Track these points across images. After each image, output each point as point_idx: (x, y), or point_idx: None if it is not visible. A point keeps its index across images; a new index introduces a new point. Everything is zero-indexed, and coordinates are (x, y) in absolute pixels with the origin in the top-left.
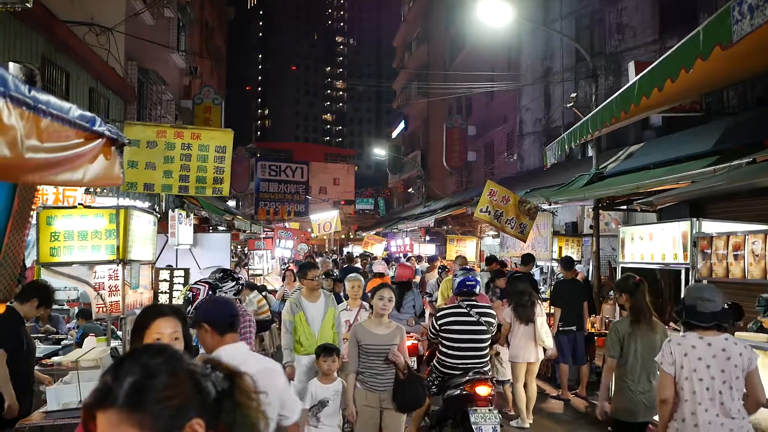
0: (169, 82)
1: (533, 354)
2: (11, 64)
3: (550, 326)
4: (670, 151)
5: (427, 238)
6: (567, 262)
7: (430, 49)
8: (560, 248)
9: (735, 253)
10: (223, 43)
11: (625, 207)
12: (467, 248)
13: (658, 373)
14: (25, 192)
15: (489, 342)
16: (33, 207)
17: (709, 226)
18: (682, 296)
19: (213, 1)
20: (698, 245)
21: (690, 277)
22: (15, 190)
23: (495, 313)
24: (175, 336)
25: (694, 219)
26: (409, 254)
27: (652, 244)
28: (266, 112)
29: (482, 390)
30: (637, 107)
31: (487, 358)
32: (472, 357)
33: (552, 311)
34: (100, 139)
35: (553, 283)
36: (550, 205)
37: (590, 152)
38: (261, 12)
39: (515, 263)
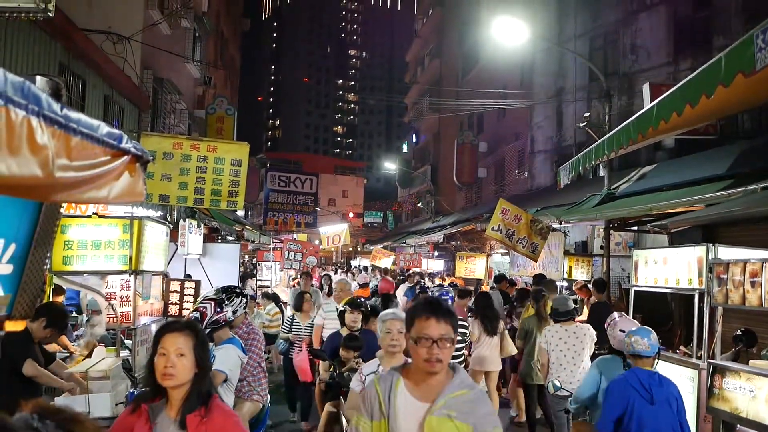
0: (183, 91)
1: (494, 363)
2: (38, 78)
3: None
4: (683, 174)
5: (436, 253)
6: (600, 285)
7: (443, 64)
8: (570, 268)
9: (752, 280)
10: (237, 53)
11: (635, 228)
12: (476, 265)
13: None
14: (50, 209)
15: (462, 350)
16: (57, 223)
17: (723, 252)
18: (555, 306)
19: (229, 13)
20: (714, 271)
21: (705, 303)
22: (41, 207)
23: (467, 325)
24: (179, 352)
25: (710, 244)
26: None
27: (666, 268)
28: (277, 122)
29: None
30: (655, 131)
31: (462, 365)
32: None
33: None
34: (126, 156)
35: (591, 305)
36: (561, 224)
37: (602, 172)
38: (275, 24)
39: (525, 282)
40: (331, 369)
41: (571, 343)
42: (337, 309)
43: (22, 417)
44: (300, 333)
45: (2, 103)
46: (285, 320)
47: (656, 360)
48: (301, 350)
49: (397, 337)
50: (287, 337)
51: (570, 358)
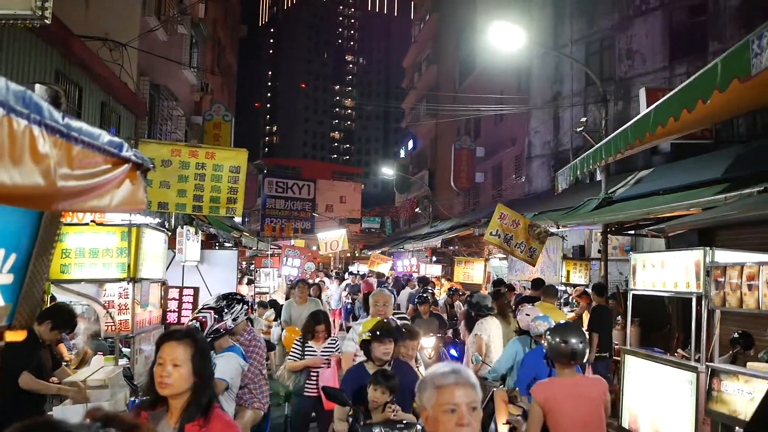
0: (180, 98)
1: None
2: (37, 86)
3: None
4: (679, 178)
5: (434, 258)
6: (600, 289)
7: (440, 70)
8: (568, 272)
9: (749, 283)
10: (234, 59)
11: (633, 232)
12: (474, 270)
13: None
14: (51, 218)
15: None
16: (58, 232)
17: (720, 255)
18: (475, 301)
19: (225, 19)
20: (711, 274)
21: (702, 306)
22: (41, 216)
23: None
24: (175, 362)
25: (707, 248)
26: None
27: (664, 271)
28: (275, 128)
29: None
30: (653, 135)
31: None
32: None
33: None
34: (127, 165)
35: (592, 308)
36: (558, 228)
37: (599, 176)
38: (272, 30)
39: (524, 286)
40: (350, 415)
41: (499, 333)
42: None
43: (85, 424)
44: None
45: (4, 112)
46: (294, 347)
47: None
48: (329, 366)
49: (467, 419)
50: (301, 366)
51: (499, 345)
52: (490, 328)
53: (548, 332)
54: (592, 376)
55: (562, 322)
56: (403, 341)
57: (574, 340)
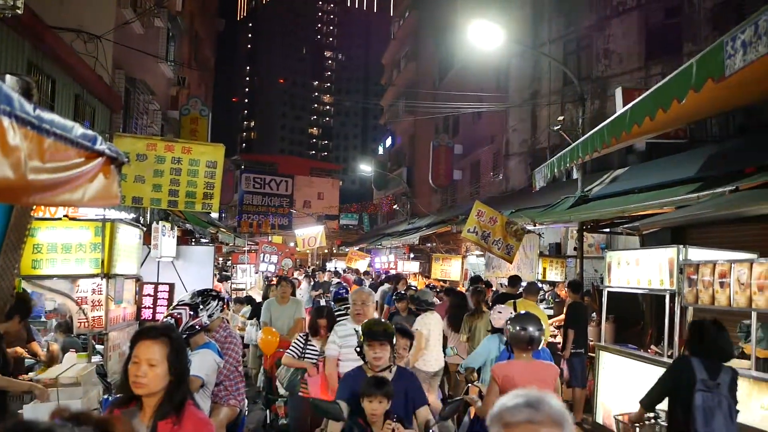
0: (156, 91)
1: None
2: (7, 77)
3: (562, 349)
4: (654, 177)
5: (411, 255)
6: (575, 286)
7: (419, 67)
8: (544, 269)
9: (721, 280)
10: (212, 54)
11: (608, 230)
12: (452, 267)
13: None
14: (21, 212)
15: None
16: (29, 226)
17: (693, 253)
18: (416, 296)
19: (203, 12)
20: (685, 272)
21: (675, 303)
22: (11, 210)
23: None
24: (151, 362)
25: (681, 246)
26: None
27: (639, 269)
28: (252, 124)
29: None
30: (629, 134)
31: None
32: None
33: (555, 333)
34: (100, 158)
35: (567, 305)
36: (535, 225)
37: (575, 175)
38: (250, 24)
39: (501, 284)
40: (344, 429)
41: (439, 328)
42: (357, 332)
43: (55, 423)
44: (315, 360)
45: None
46: (295, 342)
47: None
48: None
49: None
50: (297, 365)
51: (437, 340)
52: (430, 323)
53: (509, 321)
54: (544, 362)
55: (523, 312)
56: (400, 338)
57: (531, 328)
